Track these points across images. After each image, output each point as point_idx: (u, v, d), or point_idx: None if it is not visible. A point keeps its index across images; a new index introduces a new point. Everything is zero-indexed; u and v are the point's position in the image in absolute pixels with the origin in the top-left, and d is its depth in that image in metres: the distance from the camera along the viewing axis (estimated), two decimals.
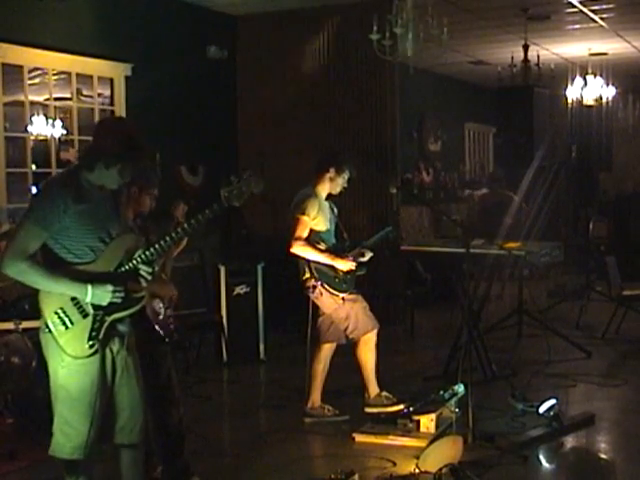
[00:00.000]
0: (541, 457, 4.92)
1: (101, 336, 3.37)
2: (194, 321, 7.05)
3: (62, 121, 9.04)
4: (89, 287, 3.31)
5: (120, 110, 7.96)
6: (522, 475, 4.63)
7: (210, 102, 9.03)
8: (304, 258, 5.46)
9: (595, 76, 10.84)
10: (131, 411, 3.52)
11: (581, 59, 11.39)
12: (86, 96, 8.43)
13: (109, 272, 3.39)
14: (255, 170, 3.68)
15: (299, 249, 5.43)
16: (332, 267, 5.48)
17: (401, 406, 5.48)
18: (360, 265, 5.62)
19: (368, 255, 5.64)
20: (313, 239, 5.48)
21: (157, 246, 3.45)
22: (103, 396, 3.40)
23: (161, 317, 4.25)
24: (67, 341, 3.33)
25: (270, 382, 6.85)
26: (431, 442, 4.85)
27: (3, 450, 4.82)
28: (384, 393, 5.73)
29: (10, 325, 5.11)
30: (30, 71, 7.30)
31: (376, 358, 5.72)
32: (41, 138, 8.97)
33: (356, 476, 4.33)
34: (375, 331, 5.68)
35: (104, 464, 3.80)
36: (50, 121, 8.15)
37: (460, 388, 5.26)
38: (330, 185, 5.62)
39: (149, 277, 3.47)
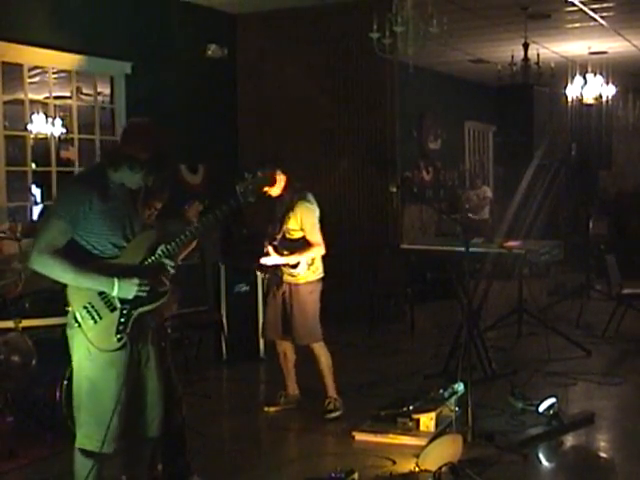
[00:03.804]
0: (541, 456, 4.92)
1: (128, 330, 3.45)
2: (194, 319, 7.05)
3: (62, 119, 9.04)
4: (116, 281, 3.39)
5: (120, 108, 7.97)
6: (522, 473, 4.63)
7: (210, 100, 9.03)
8: None
9: (595, 74, 10.83)
10: (151, 404, 3.60)
11: (581, 57, 11.38)
12: (86, 94, 8.43)
13: (134, 266, 3.47)
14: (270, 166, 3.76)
15: None
16: None
17: None
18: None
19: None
20: None
21: (178, 240, 3.54)
22: (128, 388, 3.46)
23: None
24: (96, 335, 3.41)
25: (270, 380, 6.84)
26: (431, 441, 4.84)
27: (3, 448, 4.83)
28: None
29: (10, 324, 5.11)
30: (30, 70, 7.30)
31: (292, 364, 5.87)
32: (41, 137, 8.97)
33: (356, 475, 4.34)
34: (280, 343, 5.82)
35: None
36: (50, 120, 8.15)
37: (460, 386, 5.26)
38: None
39: (172, 270, 3.57)
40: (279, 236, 5.57)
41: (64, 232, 3.36)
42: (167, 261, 3.53)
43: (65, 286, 3.47)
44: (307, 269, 5.58)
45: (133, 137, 3.46)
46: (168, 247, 3.52)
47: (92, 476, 3.46)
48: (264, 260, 5.58)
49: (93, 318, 3.41)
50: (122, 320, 3.44)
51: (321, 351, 5.68)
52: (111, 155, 3.49)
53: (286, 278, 5.61)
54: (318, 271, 5.65)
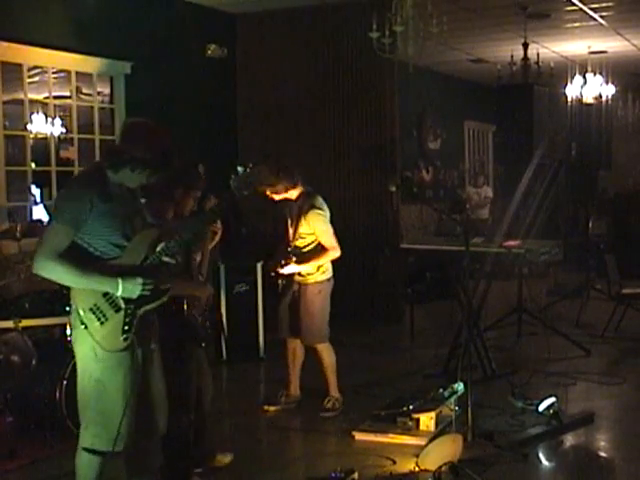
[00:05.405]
0: (540, 455, 4.93)
1: (134, 329, 3.44)
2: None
3: (61, 119, 9.03)
4: (120, 281, 3.37)
5: (120, 108, 7.96)
6: (522, 473, 4.63)
7: (210, 100, 9.02)
8: None
9: (595, 74, 10.84)
10: (157, 402, 3.62)
11: (580, 57, 11.39)
12: (86, 94, 8.43)
13: (136, 266, 3.45)
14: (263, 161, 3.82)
15: None
16: None
17: None
18: None
19: None
20: None
21: (177, 238, 3.52)
22: (135, 387, 3.46)
23: (200, 320, 4.31)
24: (103, 336, 3.40)
25: (269, 380, 6.84)
26: (431, 440, 4.85)
27: (3, 449, 4.82)
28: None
29: (10, 324, 5.11)
30: (30, 69, 7.30)
31: (299, 363, 5.89)
32: (40, 136, 8.96)
33: (356, 474, 4.35)
34: (290, 340, 5.81)
35: None
36: (49, 119, 8.15)
37: (460, 386, 5.26)
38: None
39: (173, 269, 3.57)
40: (294, 243, 5.58)
41: (67, 235, 3.33)
42: (167, 259, 3.51)
43: (68, 288, 3.46)
44: (316, 270, 5.59)
45: (135, 137, 3.42)
46: (168, 245, 3.49)
47: (98, 474, 3.47)
48: (284, 270, 5.55)
49: (99, 319, 3.39)
50: (127, 320, 3.42)
51: (325, 352, 5.68)
52: (113, 157, 3.43)
53: (296, 277, 5.62)
54: (327, 272, 5.65)
